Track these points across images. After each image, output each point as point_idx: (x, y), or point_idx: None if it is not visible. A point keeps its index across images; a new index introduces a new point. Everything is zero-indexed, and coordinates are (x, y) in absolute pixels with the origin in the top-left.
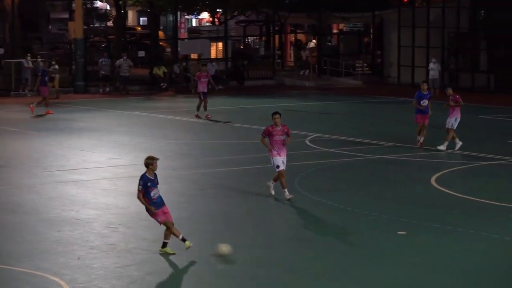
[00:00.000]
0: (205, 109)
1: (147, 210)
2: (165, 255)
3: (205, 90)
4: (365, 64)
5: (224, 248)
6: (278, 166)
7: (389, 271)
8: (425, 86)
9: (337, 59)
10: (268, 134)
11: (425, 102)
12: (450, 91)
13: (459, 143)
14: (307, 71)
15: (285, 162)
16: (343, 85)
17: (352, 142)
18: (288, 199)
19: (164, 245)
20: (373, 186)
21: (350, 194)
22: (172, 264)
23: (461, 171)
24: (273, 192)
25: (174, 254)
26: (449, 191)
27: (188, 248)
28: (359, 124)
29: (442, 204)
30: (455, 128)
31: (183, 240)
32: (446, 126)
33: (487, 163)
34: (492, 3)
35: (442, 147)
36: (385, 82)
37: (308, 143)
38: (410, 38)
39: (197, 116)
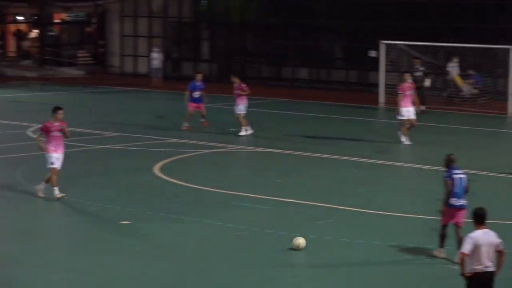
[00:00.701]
0: None
1: None
2: None
3: None
4: (88, 54)
5: (300, 241)
6: (52, 163)
7: (112, 260)
8: (199, 77)
9: (60, 49)
10: (46, 130)
11: (197, 94)
12: (235, 79)
13: (249, 131)
14: (29, 61)
15: (61, 159)
16: (65, 75)
17: (75, 133)
18: (58, 198)
19: None
20: (97, 176)
21: (74, 184)
22: None
23: (185, 160)
24: (43, 195)
25: None
26: (173, 180)
27: None
28: (81, 115)
29: (166, 193)
30: (244, 113)
31: None
32: (237, 112)
33: (210, 151)
34: None
35: (242, 133)
36: (108, 72)
37: (30, 134)
38: (133, 28)
39: None
